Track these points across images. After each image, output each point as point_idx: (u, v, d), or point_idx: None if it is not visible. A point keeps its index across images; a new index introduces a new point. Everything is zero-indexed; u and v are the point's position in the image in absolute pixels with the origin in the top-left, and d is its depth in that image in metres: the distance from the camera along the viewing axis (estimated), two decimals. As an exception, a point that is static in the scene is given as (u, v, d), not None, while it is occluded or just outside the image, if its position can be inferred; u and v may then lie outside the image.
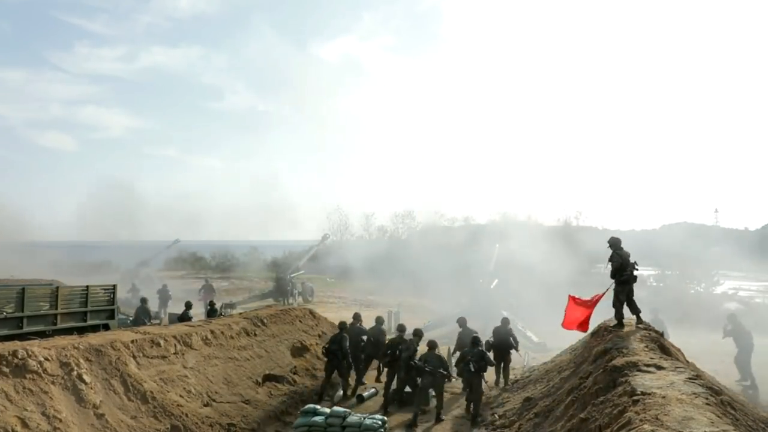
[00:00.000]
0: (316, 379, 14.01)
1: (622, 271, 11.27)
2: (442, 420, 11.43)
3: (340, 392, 13.30)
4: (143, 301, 18.94)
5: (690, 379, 6.89)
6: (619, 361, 8.15)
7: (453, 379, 12.44)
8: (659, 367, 7.59)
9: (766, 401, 11.69)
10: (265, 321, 15.07)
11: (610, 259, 11.43)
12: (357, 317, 15.17)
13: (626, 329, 11.28)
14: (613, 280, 11.57)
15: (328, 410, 9.96)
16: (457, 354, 13.61)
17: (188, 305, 17.30)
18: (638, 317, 11.42)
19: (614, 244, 11.53)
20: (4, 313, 11.47)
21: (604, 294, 11.69)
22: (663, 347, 9.68)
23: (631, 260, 11.40)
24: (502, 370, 14.46)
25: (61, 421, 7.98)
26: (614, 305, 11.66)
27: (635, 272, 11.49)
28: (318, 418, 9.67)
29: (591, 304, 11.70)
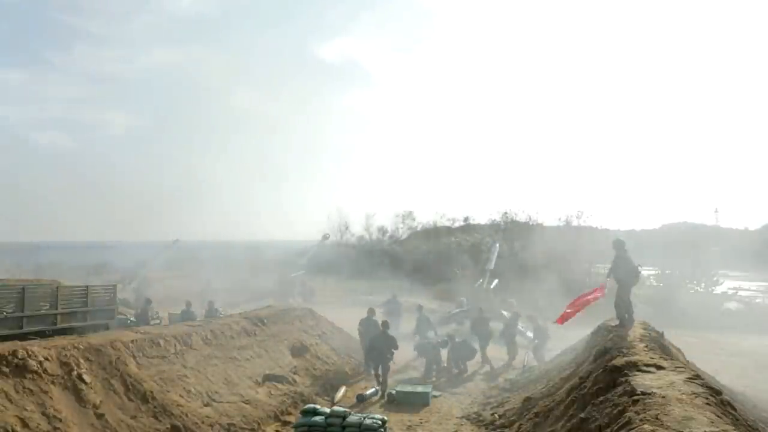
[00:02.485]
0: (316, 379, 14.01)
1: (628, 272, 11.38)
2: None
3: (341, 392, 13.30)
4: (147, 302, 19.01)
5: (690, 379, 6.88)
6: (619, 361, 8.14)
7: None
8: (659, 367, 7.59)
9: (766, 401, 11.68)
10: (265, 321, 15.07)
11: (616, 261, 11.50)
12: (372, 312, 15.83)
13: (627, 329, 11.32)
14: (610, 280, 11.65)
15: (328, 410, 9.96)
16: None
17: (188, 304, 17.39)
18: (630, 317, 11.60)
19: (619, 245, 11.57)
20: (4, 313, 11.46)
21: (602, 294, 11.76)
22: (663, 347, 9.69)
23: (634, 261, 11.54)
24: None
25: (61, 421, 7.98)
26: (617, 305, 11.74)
27: (639, 273, 11.63)
28: (318, 418, 9.67)
29: (585, 302, 11.89)
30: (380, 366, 13.56)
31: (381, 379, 13.51)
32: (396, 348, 13.82)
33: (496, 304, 22.66)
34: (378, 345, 13.66)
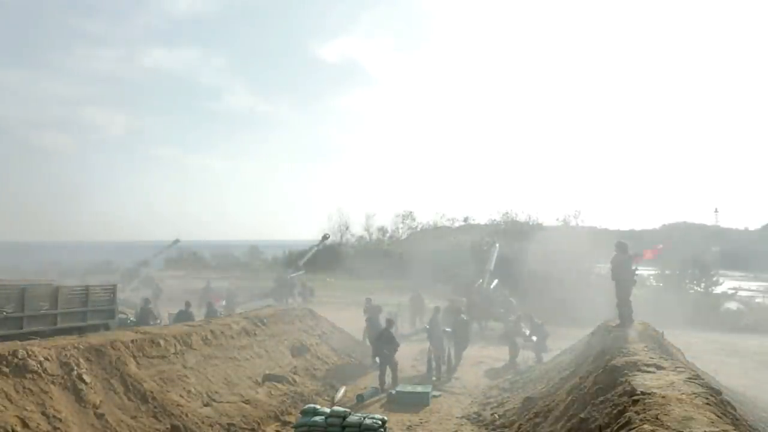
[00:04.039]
0: (316, 379, 14.01)
1: (628, 274, 11.52)
2: None
3: (341, 392, 13.30)
4: (146, 302, 19.04)
5: (690, 379, 6.88)
6: (619, 361, 8.15)
7: None
8: (659, 367, 7.59)
9: (766, 401, 11.68)
10: (265, 321, 15.08)
11: (616, 262, 11.63)
12: (379, 309, 16.99)
13: (627, 329, 11.33)
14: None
15: (328, 410, 9.95)
16: None
17: (187, 304, 17.45)
18: (630, 317, 11.67)
19: (621, 247, 11.74)
20: (4, 313, 11.45)
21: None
22: (663, 347, 9.69)
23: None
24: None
25: (61, 421, 7.98)
26: (619, 306, 11.79)
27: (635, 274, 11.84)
28: (318, 418, 9.65)
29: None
30: (384, 363, 13.94)
31: (380, 376, 13.80)
32: (396, 346, 14.16)
33: (496, 305, 22.62)
34: (379, 343, 14.12)
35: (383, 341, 14.06)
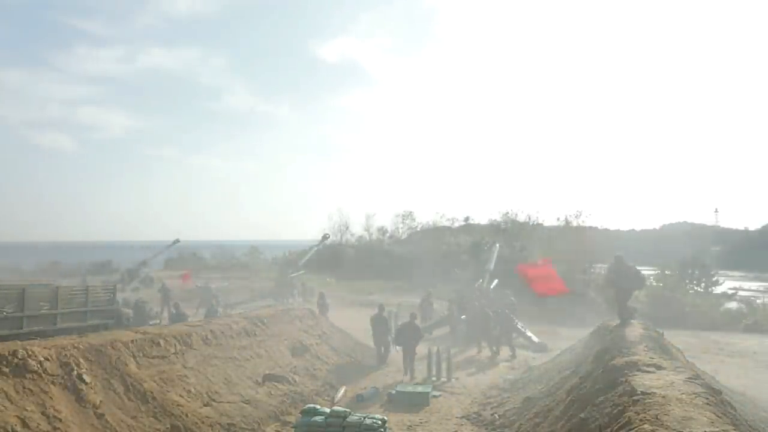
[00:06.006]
0: (316, 379, 14.00)
1: (629, 281, 11.81)
2: None
3: (341, 392, 13.30)
4: (137, 302, 19.11)
5: (690, 379, 6.89)
6: (619, 361, 8.15)
7: None
8: (659, 367, 7.60)
9: (766, 401, 11.69)
10: (265, 321, 15.08)
11: (617, 273, 11.96)
12: (381, 308, 17.40)
13: (627, 329, 11.36)
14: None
15: (328, 410, 9.94)
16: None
17: (176, 306, 17.59)
18: (630, 317, 11.89)
19: (619, 261, 12.24)
20: (4, 313, 11.46)
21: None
22: (663, 347, 9.70)
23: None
24: None
25: (61, 421, 7.98)
26: (618, 306, 11.90)
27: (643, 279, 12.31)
28: (318, 418, 9.64)
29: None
30: (408, 351, 14.95)
31: (406, 365, 14.81)
32: (421, 337, 15.49)
33: (497, 305, 22.63)
34: (405, 333, 15.30)
35: (408, 332, 15.15)
